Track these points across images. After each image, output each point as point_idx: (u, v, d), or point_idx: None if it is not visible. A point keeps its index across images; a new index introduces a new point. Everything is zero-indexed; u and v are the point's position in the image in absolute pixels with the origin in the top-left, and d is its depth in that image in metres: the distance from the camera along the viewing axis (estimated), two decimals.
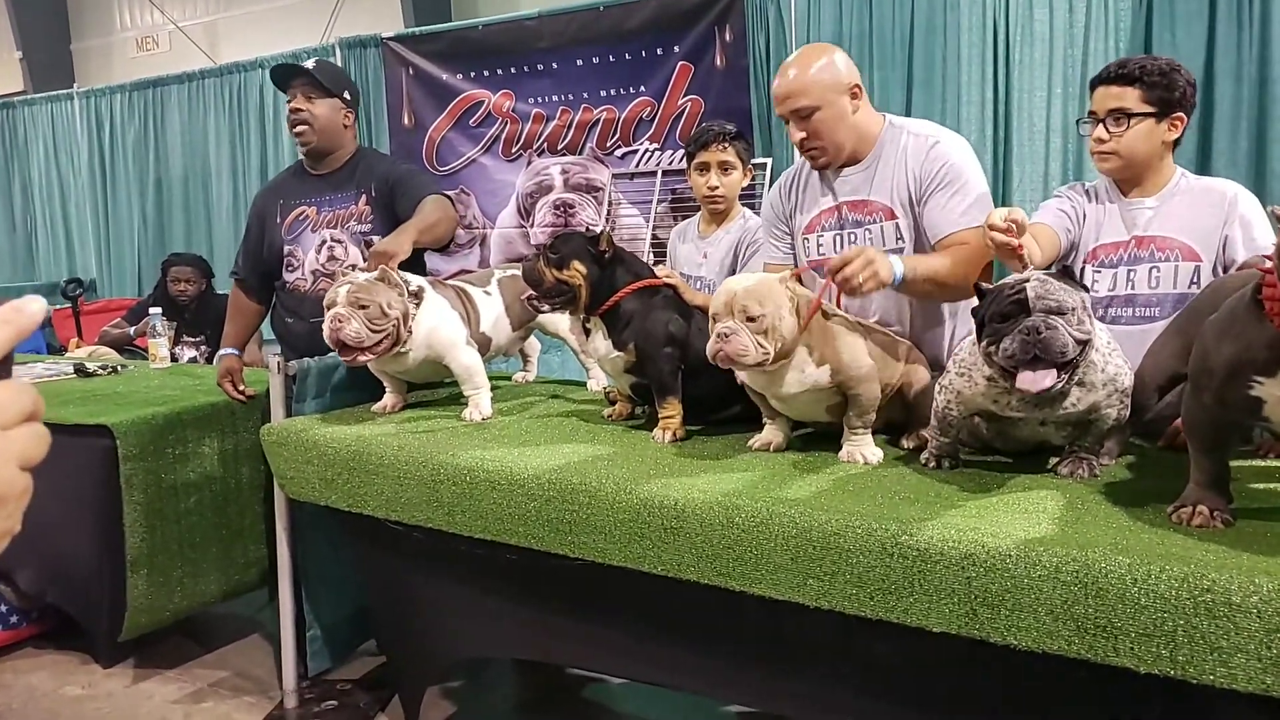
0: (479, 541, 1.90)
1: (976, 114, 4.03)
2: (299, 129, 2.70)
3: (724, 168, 2.53)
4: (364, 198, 2.71)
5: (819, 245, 2.20)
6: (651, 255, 4.69)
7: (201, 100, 6.29)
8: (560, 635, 1.95)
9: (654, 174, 4.65)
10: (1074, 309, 1.51)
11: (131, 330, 4.29)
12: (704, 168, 2.53)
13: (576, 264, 2.03)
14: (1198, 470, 1.41)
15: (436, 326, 2.22)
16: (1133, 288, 1.99)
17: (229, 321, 2.83)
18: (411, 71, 5.21)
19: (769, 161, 4.40)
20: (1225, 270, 1.89)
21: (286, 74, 2.72)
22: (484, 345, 2.41)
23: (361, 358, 2.14)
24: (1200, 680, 1.21)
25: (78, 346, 4.33)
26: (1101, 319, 2.01)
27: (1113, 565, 1.27)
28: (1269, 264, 1.26)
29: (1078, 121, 2.15)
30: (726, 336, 1.73)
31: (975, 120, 4.03)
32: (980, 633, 1.36)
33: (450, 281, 2.49)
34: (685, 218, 4.48)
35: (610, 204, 4.78)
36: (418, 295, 2.20)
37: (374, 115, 5.46)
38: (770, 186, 4.19)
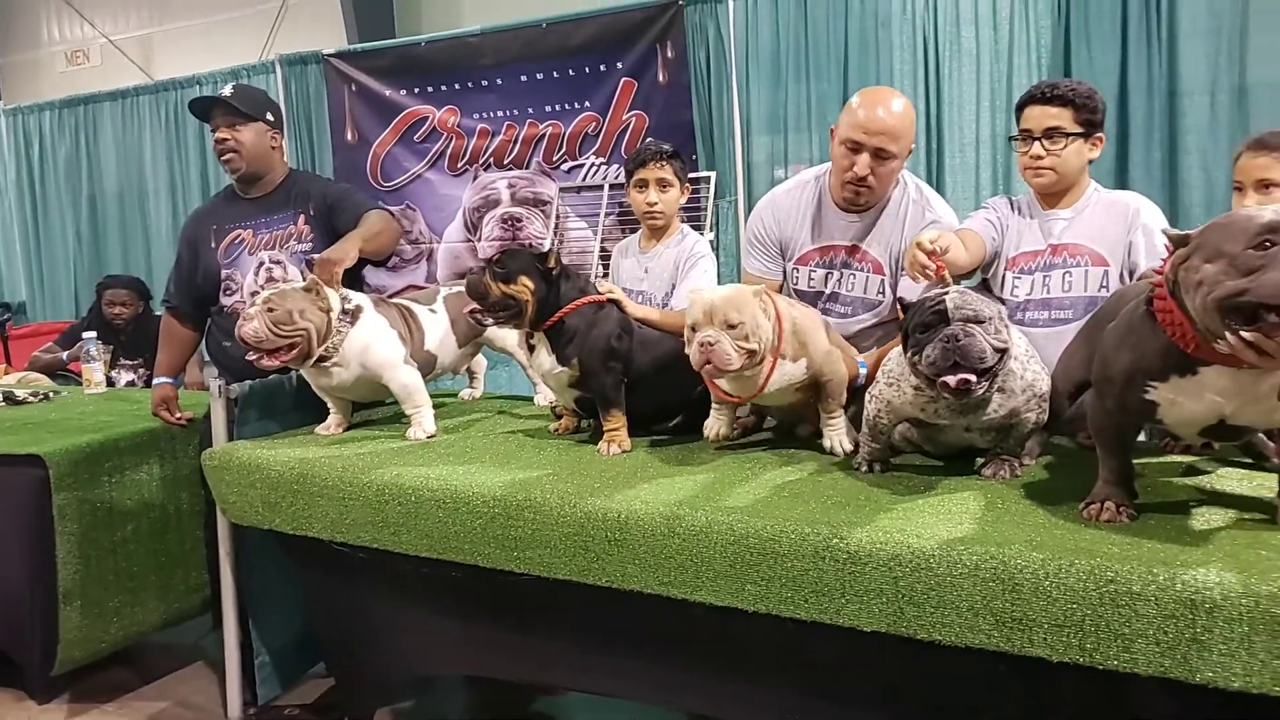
0: (425, 560, 1.92)
1: None
2: (226, 157, 2.70)
3: (662, 185, 2.58)
4: (301, 217, 2.72)
5: (809, 279, 2.31)
6: (600, 268, 4.73)
7: (136, 117, 6.18)
8: (509, 650, 1.97)
9: (600, 188, 4.70)
10: (991, 318, 1.59)
11: (64, 355, 4.20)
12: (643, 185, 2.59)
13: (524, 279, 2.07)
14: (1105, 469, 1.50)
15: (371, 345, 2.24)
16: (1048, 291, 2.12)
17: (162, 349, 2.80)
18: (354, 88, 5.20)
19: (713, 175, 4.48)
20: (1131, 274, 2.01)
21: (205, 105, 2.72)
22: (429, 363, 2.43)
23: (266, 361, 2.16)
24: (1105, 666, 1.29)
25: (6, 373, 4.22)
26: (1020, 322, 2.14)
27: (1027, 561, 1.35)
28: (1160, 277, 1.35)
29: (1010, 138, 2.27)
30: (710, 345, 1.78)
31: None
32: (908, 630, 1.42)
33: (395, 300, 2.51)
34: (633, 231, 4.55)
35: (558, 217, 4.82)
36: (354, 314, 2.22)
37: (316, 132, 5.43)
38: (712, 197, 4.30)
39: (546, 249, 2.12)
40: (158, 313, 4.65)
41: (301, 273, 2.64)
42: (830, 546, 1.48)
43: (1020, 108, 2.17)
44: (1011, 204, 2.26)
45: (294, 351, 2.16)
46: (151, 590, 2.60)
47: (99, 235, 6.45)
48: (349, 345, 2.21)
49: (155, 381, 2.73)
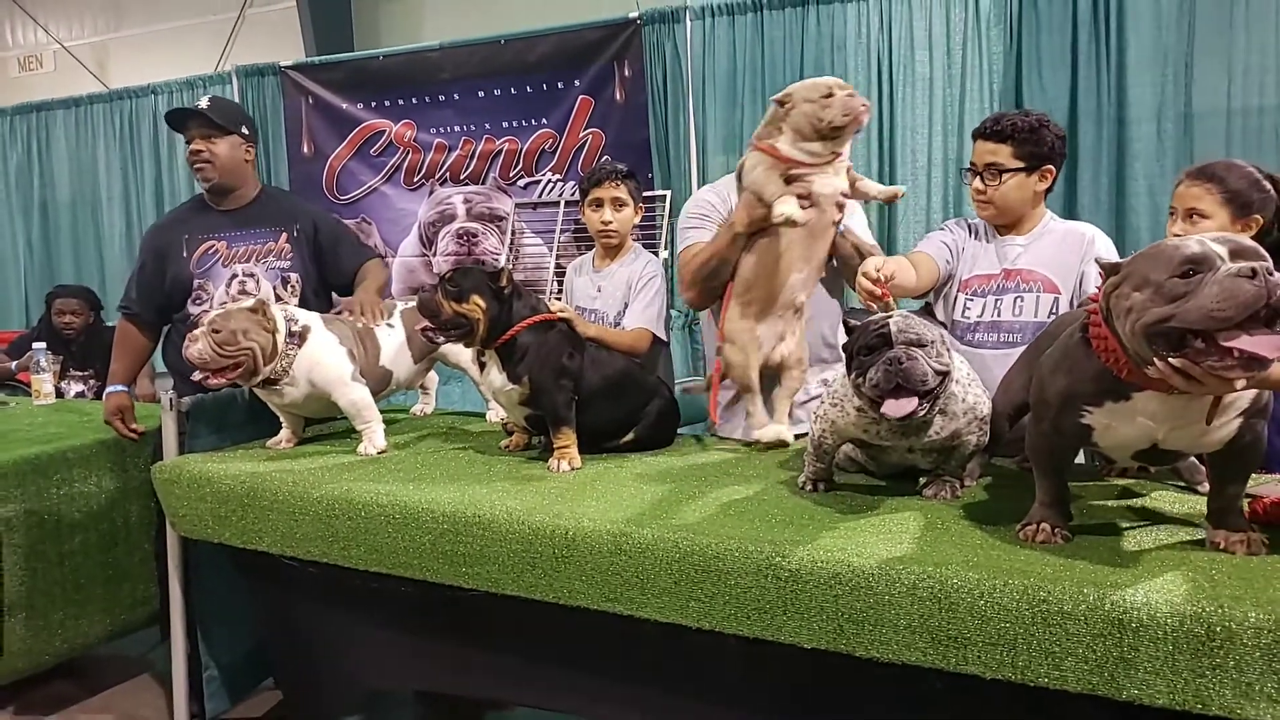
0: (375, 575, 1.92)
1: (863, 149, 4.23)
2: (200, 168, 2.73)
3: (617, 204, 2.61)
4: (284, 235, 2.78)
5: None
6: (556, 284, 4.75)
7: (90, 126, 6.09)
8: (458, 665, 1.97)
9: (556, 204, 4.72)
10: (933, 342, 1.63)
11: (13, 365, 4.12)
12: (598, 204, 2.61)
13: (476, 298, 2.08)
14: (1041, 491, 1.54)
15: (319, 363, 2.24)
16: (999, 315, 2.18)
17: (116, 357, 2.77)
18: (311, 100, 5.17)
19: (668, 194, 4.53)
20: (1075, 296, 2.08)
21: (182, 117, 2.75)
22: (384, 379, 2.43)
23: (213, 380, 2.18)
24: (1036, 682, 1.32)
25: None
26: (970, 344, 2.20)
27: (964, 581, 1.38)
28: (1095, 305, 1.39)
29: (961, 171, 2.33)
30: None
31: (861, 155, 4.23)
32: (847, 647, 1.45)
33: (351, 319, 2.50)
34: (588, 248, 4.58)
35: (514, 234, 4.83)
36: (301, 335, 2.22)
37: (273, 144, 5.39)
38: (668, 216, 4.33)
39: (499, 268, 2.13)
40: (109, 323, 4.61)
41: (275, 288, 2.72)
42: (772, 565, 1.50)
43: (974, 138, 2.24)
44: (969, 227, 2.33)
45: (239, 370, 2.17)
46: (98, 602, 2.57)
47: (50, 244, 6.34)
48: (298, 365, 2.22)
49: (110, 390, 2.70)
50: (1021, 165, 2.14)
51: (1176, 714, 1.25)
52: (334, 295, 2.95)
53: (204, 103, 2.77)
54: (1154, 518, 1.61)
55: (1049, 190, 2.22)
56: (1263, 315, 1.20)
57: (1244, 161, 2.11)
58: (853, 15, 4.17)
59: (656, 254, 4.37)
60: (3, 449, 2.48)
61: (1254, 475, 1.75)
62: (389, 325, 2.48)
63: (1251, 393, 1.35)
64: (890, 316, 1.65)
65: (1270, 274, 1.18)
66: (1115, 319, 1.32)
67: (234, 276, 2.74)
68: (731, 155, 4.47)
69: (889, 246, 4.15)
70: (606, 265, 2.69)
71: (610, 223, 2.61)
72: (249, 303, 2.20)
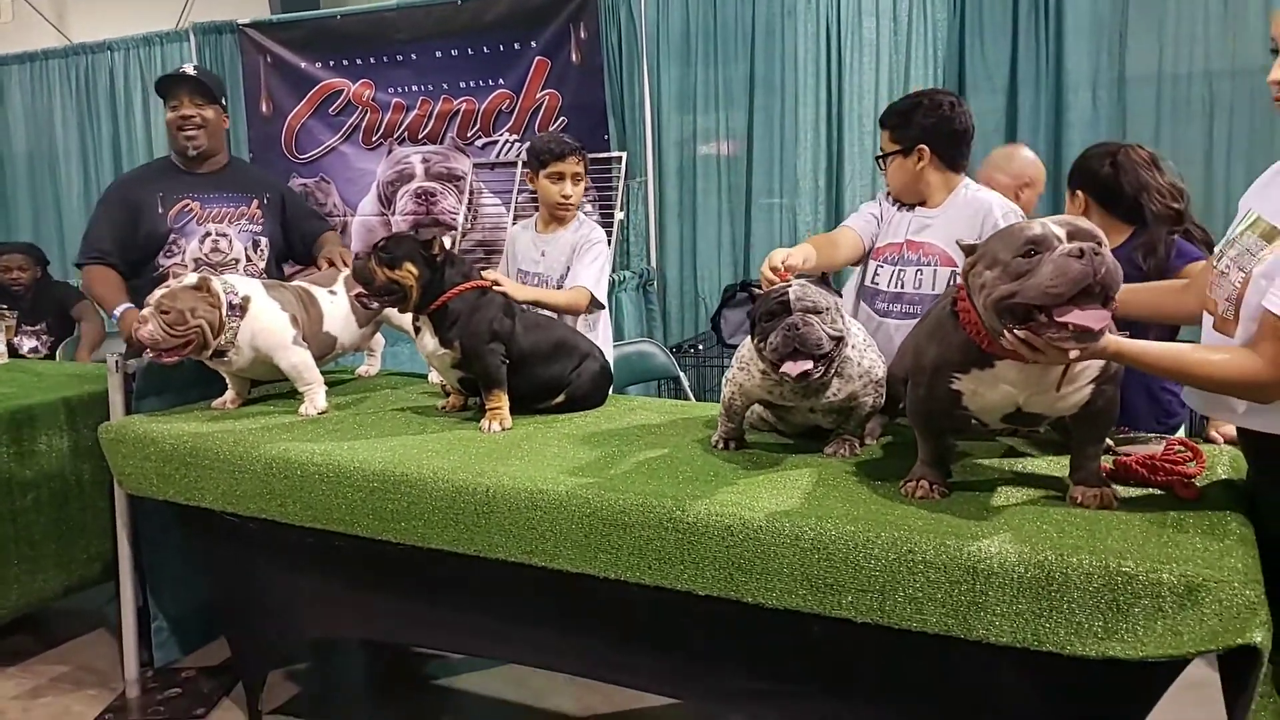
0: (310, 530, 2.02)
1: (812, 113, 4.30)
2: (192, 133, 2.85)
3: (575, 178, 2.69)
4: (255, 202, 2.95)
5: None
6: None
7: (47, 81, 6.03)
8: (389, 615, 2.09)
9: (514, 164, 4.76)
10: (828, 309, 1.74)
11: None
12: (559, 177, 2.67)
13: (409, 265, 2.16)
14: (922, 451, 1.67)
15: (261, 330, 2.32)
16: (902, 287, 2.29)
17: (104, 293, 2.85)
18: (269, 59, 5.15)
19: (624, 155, 4.58)
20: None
21: (175, 81, 2.87)
22: (329, 345, 2.51)
23: (165, 359, 2.25)
24: (900, 625, 1.45)
25: None
26: (879, 312, 2.31)
27: (842, 532, 1.50)
28: (961, 279, 1.50)
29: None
30: None
31: (810, 119, 4.30)
32: (736, 594, 1.58)
33: (294, 283, 2.57)
34: None
35: (471, 193, 4.87)
36: (242, 306, 2.29)
37: (231, 102, 5.34)
38: (623, 177, 4.39)
39: (431, 236, 2.21)
40: (58, 278, 4.63)
41: (246, 249, 2.90)
42: (673, 518, 1.62)
43: None
44: (894, 199, 2.42)
45: (189, 348, 2.25)
46: (51, 559, 2.64)
47: (8, 199, 6.30)
48: (241, 334, 2.30)
49: (122, 309, 2.77)
50: (897, 148, 2.26)
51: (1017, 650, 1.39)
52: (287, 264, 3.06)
53: (191, 69, 2.90)
54: (1028, 475, 1.74)
55: (957, 165, 2.30)
56: (1096, 292, 1.31)
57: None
58: None
59: (613, 215, 4.46)
60: None
61: (1143, 436, 1.90)
62: (331, 292, 2.55)
63: (1100, 363, 1.47)
64: (789, 285, 1.76)
65: (1097, 254, 1.30)
66: (972, 294, 1.43)
67: (207, 234, 2.86)
68: (685, 117, 4.53)
69: (836, 211, 4.24)
70: (552, 231, 2.76)
71: (570, 196, 2.69)
72: (192, 280, 2.26)
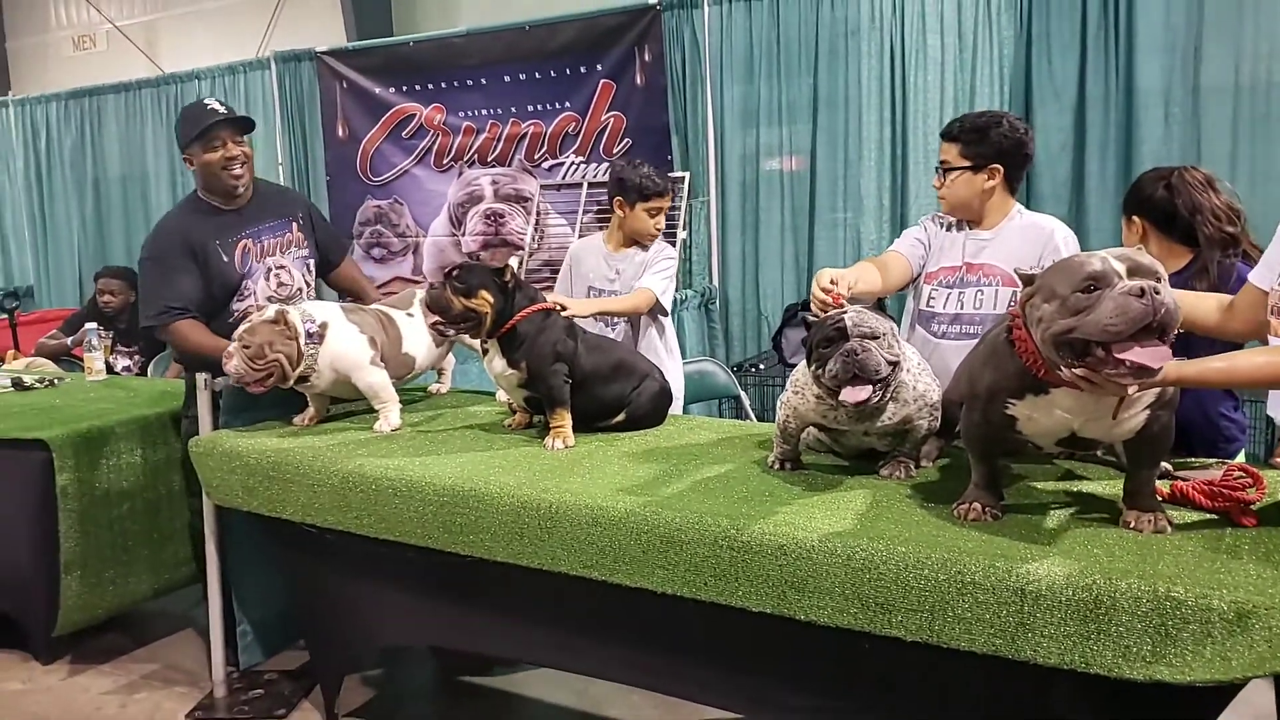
0: (384, 542, 2.13)
1: (876, 131, 4.32)
2: (239, 172, 2.76)
3: (666, 212, 2.88)
4: (295, 225, 2.89)
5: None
6: None
7: (139, 109, 6.37)
8: (457, 623, 2.18)
9: (580, 186, 4.87)
10: (885, 334, 1.78)
11: (69, 341, 4.42)
12: (655, 211, 2.83)
13: (483, 293, 2.24)
14: (975, 474, 1.69)
15: (341, 354, 2.44)
16: (962, 307, 2.31)
17: (208, 338, 2.69)
18: (345, 85, 5.37)
19: (687, 175, 4.66)
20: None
21: (217, 124, 2.73)
22: (408, 365, 2.61)
23: (251, 389, 2.37)
24: (950, 645, 1.48)
25: (15, 358, 4.44)
26: (935, 334, 2.33)
27: (893, 553, 1.54)
28: (1018, 308, 1.53)
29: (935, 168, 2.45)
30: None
31: (874, 136, 4.32)
32: (790, 612, 1.62)
33: (374, 306, 2.70)
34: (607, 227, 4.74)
35: (538, 214, 5.00)
36: (320, 334, 2.42)
37: (309, 127, 5.62)
38: (686, 196, 4.46)
39: (503, 264, 2.29)
40: None
41: (305, 277, 2.89)
42: (728, 536, 1.67)
43: None
44: (941, 221, 2.45)
45: (271, 380, 2.37)
46: (144, 563, 2.82)
47: (102, 222, 6.66)
48: (321, 359, 2.42)
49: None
50: (967, 164, 2.27)
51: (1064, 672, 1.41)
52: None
53: (220, 106, 2.78)
54: (1082, 498, 1.75)
55: (1014, 186, 2.32)
56: (1154, 327, 1.33)
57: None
58: (866, 1, 4.24)
59: (676, 232, 4.53)
60: (61, 423, 2.72)
61: (1203, 461, 1.89)
62: (409, 314, 2.66)
63: (1156, 389, 1.48)
64: (845, 312, 1.80)
65: (1157, 293, 1.32)
66: (1030, 326, 1.46)
67: (269, 271, 2.84)
68: (748, 138, 4.58)
69: (901, 230, 4.23)
70: (624, 250, 2.87)
71: (661, 229, 2.85)
72: (270, 313, 2.39)
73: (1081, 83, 3.99)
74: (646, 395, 2.40)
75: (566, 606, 1.97)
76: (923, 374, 1.90)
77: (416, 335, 2.62)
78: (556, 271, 4.97)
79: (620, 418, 2.37)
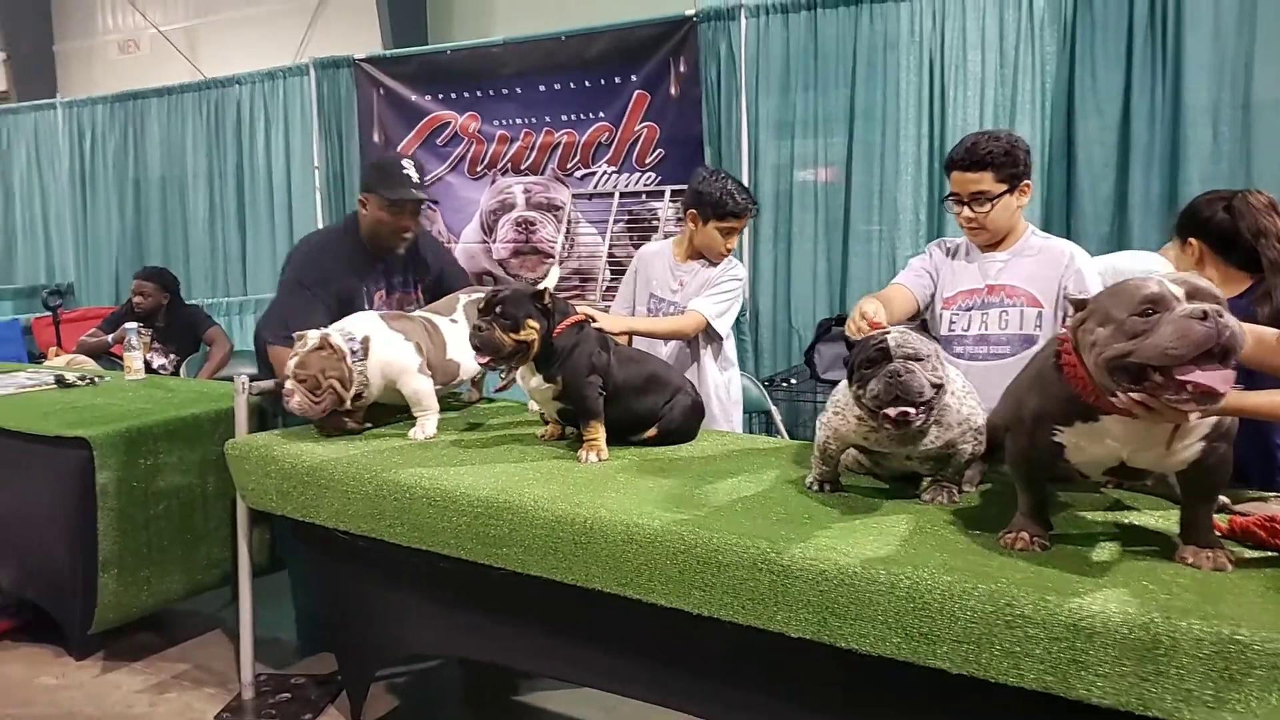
0: (417, 550, 2.12)
1: (913, 146, 4.27)
2: (408, 237, 2.84)
3: (738, 232, 2.83)
4: (420, 286, 3.00)
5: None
6: (609, 272, 4.92)
7: (180, 112, 6.46)
8: (486, 636, 2.16)
9: (611, 195, 4.87)
10: (929, 356, 1.74)
11: (109, 338, 4.47)
12: (730, 231, 2.78)
13: (530, 323, 2.19)
14: (1021, 502, 1.65)
15: (389, 361, 2.45)
16: (986, 328, 2.30)
17: None
18: (382, 92, 5.41)
19: None
20: (1065, 315, 2.19)
21: (410, 201, 2.79)
22: (454, 371, 2.61)
23: (316, 421, 2.43)
24: (997, 679, 1.44)
25: (57, 355, 4.51)
26: (960, 356, 2.30)
27: (938, 582, 1.50)
28: (1066, 333, 1.49)
29: (942, 200, 2.42)
30: None
31: (912, 151, 4.27)
32: (830, 639, 1.59)
33: (417, 313, 2.69)
34: (640, 238, 4.74)
35: (569, 223, 5.00)
36: (364, 348, 2.42)
37: (345, 132, 5.66)
38: None
39: (540, 287, 2.26)
40: (190, 302, 4.96)
41: None
42: (767, 559, 1.64)
43: (947, 170, 2.35)
44: (947, 249, 2.45)
45: (329, 405, 2.39)
46: (177, 563, 2.82)
47: (141, 222, 6.75)
48: (370, 371, 2.43)
49: None
50: (1005, 188, 2.25)
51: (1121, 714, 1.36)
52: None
53: (414, 174, 2.80)
54: (1134, 530, 1.70)
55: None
56: (1216, 352, 1.29)
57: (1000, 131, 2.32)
58: (905, 14, 4.19)
59: None
60: (102, 422, 2.74)
61: (1262, 495, 1.84)
62: (452, 320, 2.66)
63: (1213, 419, 1.44)
64: (888, 332, 1.77)
65: (1220, 315, 1.28)
66: (1082, 351, 1.42)
67: None
68: (782, 150, 4.55)
69: None
70: (691, 262, 2.84)
71: (732, 248, 2.82)
72: (314, 340, 2.39)
73: (1126, 98, 3.92)
74: (679, 409, 2.37)
75: (599, 623, 1.95)
76: (967, 397, 1.86)
77: (461, 341, 2.60)
78: (586, 280, 5.03)
79: (652, 432, 2.35)
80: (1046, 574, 1.50)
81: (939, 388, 1.74)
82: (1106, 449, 1.50)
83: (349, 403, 2.42)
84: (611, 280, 4.90)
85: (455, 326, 2.64)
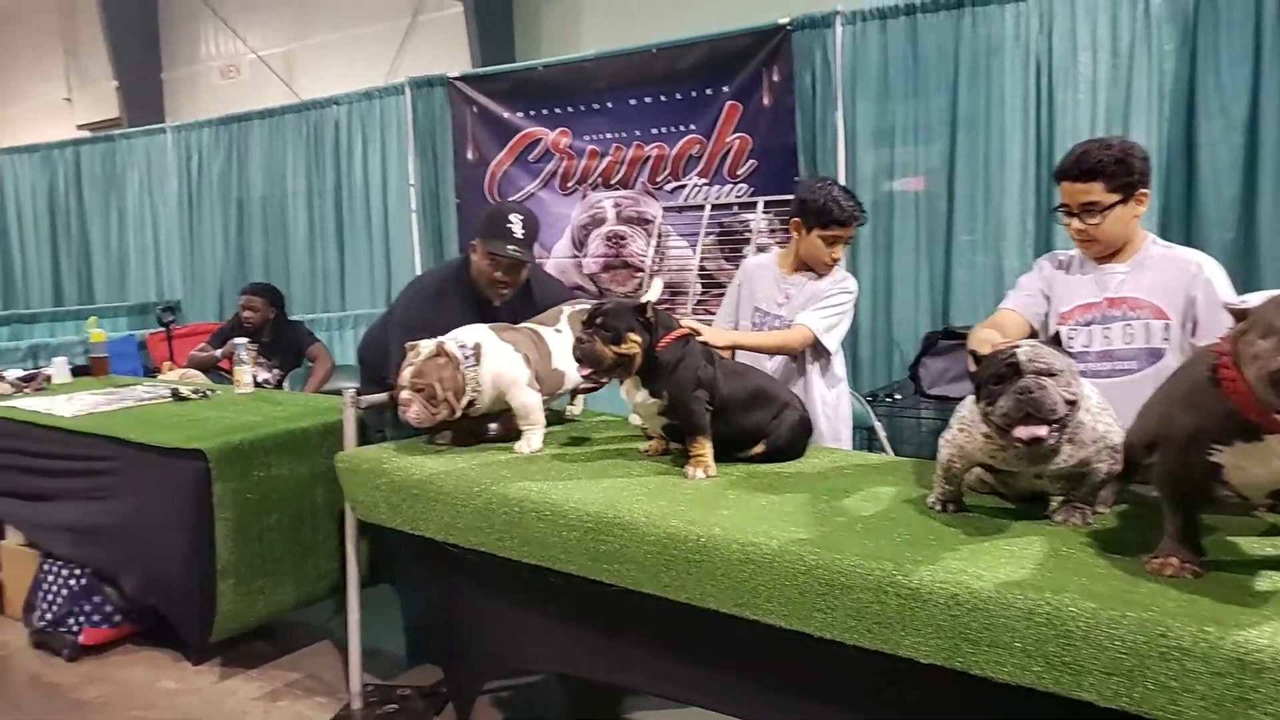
0: (525, 564, 2.11)
1: (1019, 153, 4.12)
2: (505, 292, 2.83)
3: (846, 241, 2.75)
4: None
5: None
6: (699, 285, 4.88)
7: (281, 133, 6.68)
8: (598, 653, 2.14)
9: (702, 208, 4.84)
10: (1063, 371, 1.66)
11: (218, 353, 4.63)
12: (834, 240, 2.70)
13: (631, 335, 2.18)
14: (1170, 525, 1.55)
15: (501, 372, 2.46)
16: (1109, 344, 2.20)
17: None
18: (475, 109, 5.50)
19: None
20: (1194, 327, 2.11)
21: (508, 256, 2.75)
22: (559, 380, 2.60)
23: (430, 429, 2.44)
24: (1152, 715, 1.35)
25: (170, 369, 4.70)
26: (1081, 373, 2.18)
27: (1081, 609, 1.42)
28: (1224, 346, 1.40)
29: (1051, 211, 2.31)
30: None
31: (1018, 158, 4.12)
32: (962, 665, 1.52)
33: (523, 325, 2.69)
34: (733, 251, 4.70)
35: (660, 236, 4.99)
36: (476, 353, 2.43)
37: (440, 150, 5.77)
38: None
39: (642, 300, 2.24)
40: (295, 317, 5.11)
41: None
42: (894, 582, 1.58)
43: (1056, 180, 2.25)
44: (1058, 262, 2.35)
45: (444, 415, 2.40)
46: (289, 574, 2.90)
47: (244, 241, 6.99)
48: (482, 379, 2.43)
49: None
50: (1118, 198, 2.14)
51: None
52: None
53: (519, 231, 2.77)
54: None
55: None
56: None
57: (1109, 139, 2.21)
58: (1010, 17, 4.06)
59: None
60: (217, 435, 2.83)
61: None
62: (557, 330, 2.66)
63: None
64: (1019, 346, 1.69)
65: None
66: (1243, 364, 1.33)
67: None
68: (880, 160, 4.45)
69: None
70: (797, 274, 2.78)
71: (838, 259, 2.73)
72: (430, 348, 2.41)
73: (1255, 97, 3.70)
74: (786, 425, 2.32)
75: (711, 642, 1.91)
76: (1103, 414, 1.76)
77: (565, 351, 2.57)
78: (676, 294, 5.01)
79: (760, 448, 2.30)
80: (1202, 603, 1.40)
81: (1073, 405, 1.65)
82: (1271, 470, 1.40)
83: (459, 412, 2.43)
84: (701, 294, 4.86)
85: (560, 336, 2.64)
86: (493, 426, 2.64)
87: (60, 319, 6.76)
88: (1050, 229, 4.02)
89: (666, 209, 4.98)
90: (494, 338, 2.50)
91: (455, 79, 5.60)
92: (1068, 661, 1.42)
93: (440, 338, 2.45)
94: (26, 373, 4.04)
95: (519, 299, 2.91)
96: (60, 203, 7.97)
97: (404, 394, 2.39)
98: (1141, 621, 1.37)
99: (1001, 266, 4.09)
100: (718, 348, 2.40)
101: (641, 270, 5.01)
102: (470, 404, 2.45)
